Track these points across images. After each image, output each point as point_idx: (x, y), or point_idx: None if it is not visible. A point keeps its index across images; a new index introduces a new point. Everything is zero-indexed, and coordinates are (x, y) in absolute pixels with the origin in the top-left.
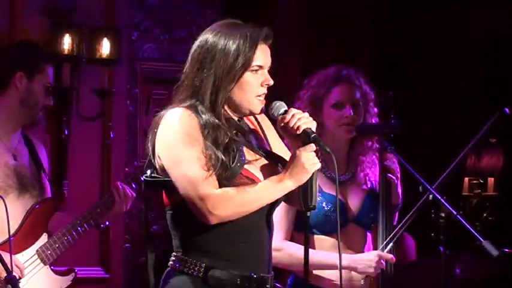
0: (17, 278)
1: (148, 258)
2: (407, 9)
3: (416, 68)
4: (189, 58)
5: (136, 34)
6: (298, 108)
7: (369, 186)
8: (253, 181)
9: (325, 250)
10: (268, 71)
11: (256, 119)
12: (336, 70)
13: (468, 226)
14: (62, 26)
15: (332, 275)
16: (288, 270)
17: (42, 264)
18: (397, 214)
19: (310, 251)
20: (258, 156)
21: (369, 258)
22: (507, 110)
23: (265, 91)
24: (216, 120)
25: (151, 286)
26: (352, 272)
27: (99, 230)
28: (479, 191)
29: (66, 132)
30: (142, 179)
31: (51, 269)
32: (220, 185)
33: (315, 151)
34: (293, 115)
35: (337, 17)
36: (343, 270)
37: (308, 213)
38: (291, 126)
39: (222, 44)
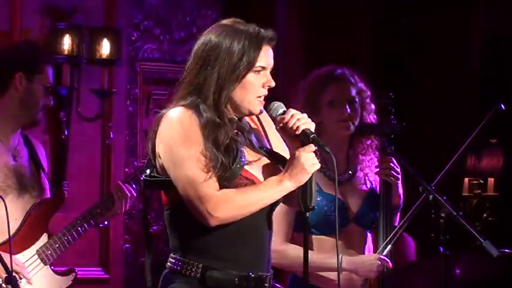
0: (18, 278)
1: (146, 259)
2: (407, 9)
3: (417, 68)
4: (192, 56)
5: (136, 34)
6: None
7: (368, 186)
8: (253, 182)
9: (324, 250)
10: (270, 73)
11: (257, 117)
12: (330, 69)
13: (468, 226)
14: (62, 26)
15: (331, 274)
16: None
17: (42, 265)
18: (398, 215)
19: (310, 253)
20: (258, 156)
21: (370, 263)
22: (502, 105)
23: (266, 92)
24: (218, 119)
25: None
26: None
27: (99, 230)
28: (479, 191)
29: (66, 132)
30: (142, 178)
31: (52, 269)
32: (220, 186)
33: (314, 151)
34: (292, 115)
35: (337, 17)
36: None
37: (307, 214)
38: (290, 126)
39: (227, 43)
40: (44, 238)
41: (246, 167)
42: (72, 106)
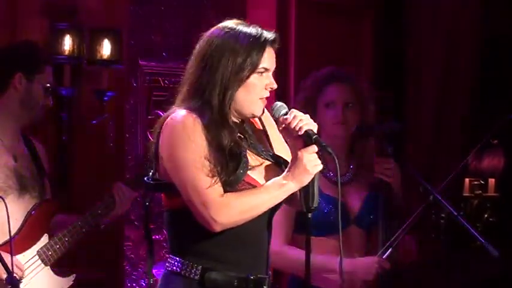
0: (18, 278)
1: (147, 262)
2: (408, 9)
3: (417, 68)
4: (194, 57)
5: (137, 35)
6: None
7: (368, 187)
8: (255, 187)
9: (324, 252)
10: (272, 75)
11: (259, 117)
12: (328, 71)
13: (468, 226)
14: (62, 26)
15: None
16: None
17: (43, 265)
18: (399, 216)
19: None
20: (261, 161)
21: (369, 266)
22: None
23: (268, 94)
24: (222, 122)
25: None
26: None
27: (99, 231)
28: (480, 191)
29: (66, 133)
30: (143, 180)
31: (52, 270)
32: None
33: (316, 152)
34: (294, 116)
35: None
36: None
37: (309, 215)
38: (293, 127)
39: (231, 44)
40: (44, 239)
41: (249, 172)
42: (72, 107)
